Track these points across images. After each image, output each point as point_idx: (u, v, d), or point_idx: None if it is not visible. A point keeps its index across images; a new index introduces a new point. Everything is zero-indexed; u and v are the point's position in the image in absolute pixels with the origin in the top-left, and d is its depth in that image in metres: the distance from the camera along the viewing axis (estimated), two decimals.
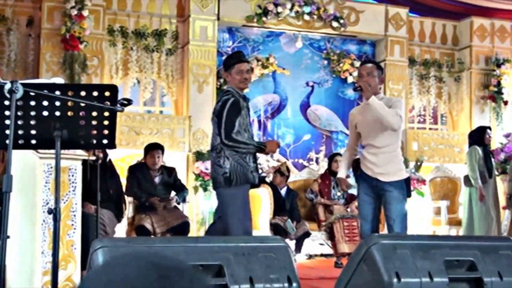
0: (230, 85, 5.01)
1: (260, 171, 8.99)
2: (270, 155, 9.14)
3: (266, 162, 9.07)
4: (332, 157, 8.33)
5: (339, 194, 8.00)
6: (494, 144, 9.26)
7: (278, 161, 9.15)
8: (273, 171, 8.23)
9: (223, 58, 5.24)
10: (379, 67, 5.14)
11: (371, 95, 4.80)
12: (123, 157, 8.07)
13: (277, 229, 7.57)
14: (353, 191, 6.72)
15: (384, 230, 5.56)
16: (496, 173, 8.41)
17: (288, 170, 8.20)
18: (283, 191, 7.97)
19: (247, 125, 4.92)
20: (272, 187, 7.88)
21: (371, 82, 4.89)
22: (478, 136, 8.07)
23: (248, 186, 4.92)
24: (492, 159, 8.12)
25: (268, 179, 8.46)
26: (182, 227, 6.54)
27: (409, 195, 5.09)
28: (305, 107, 9.54)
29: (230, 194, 4.86)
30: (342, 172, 5.29)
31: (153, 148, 6.90)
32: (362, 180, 5.08)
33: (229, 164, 4.81)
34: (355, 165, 5.29)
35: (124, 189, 6.68)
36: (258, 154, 5.12)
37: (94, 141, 3.19)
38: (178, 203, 6.91)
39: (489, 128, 8.30)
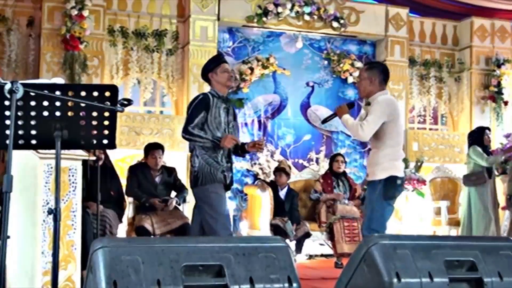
0: (213, 87, 5.09)
1: (260, 172, 9.05)
2: (270, 155, 9.16)
3: (266, 163, 9.08)
4: (333, 158, 8.34)
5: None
6: (494, 145, 9.26)
7: (278, 161, 9.15)
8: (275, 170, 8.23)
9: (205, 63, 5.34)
10: (370, 66, 5.14)
11: (341, 115, 4.95)
12: (124, 157, 8.07)
13: (277, 230, 7.57)
14: None
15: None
16: (496, 173, 8.40)
17: (289, 168, 8.23)
18: (283, 191, 7.96)
19: (219, 123, 4.95)
20: (272, 188, 7.88)
21: (360, 86, 5.08)
22: (477, 137, 8.10)
23: (220, 186, 4.93)
24: None
25: (267, 179, 8.47)
26: (182, 229, 6.53)
27: (389, 197, 4.91)
28: (305, 107, 9.54)
29: (200, 192, 4.93)
30: None
31: (154, 148, 6.88)
32: None
33: (198, 163, 4.90)
34: None
35: (124, 189, 6.68)
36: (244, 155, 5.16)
37: (94, 141, 3.19)
38: (179, 204, 6.90)
39: (488, 128, 8.29)
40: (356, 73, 9.47)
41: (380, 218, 4.85)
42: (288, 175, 8.06)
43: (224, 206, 4.96)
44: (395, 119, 4.91)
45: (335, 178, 8.09)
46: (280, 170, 8.04)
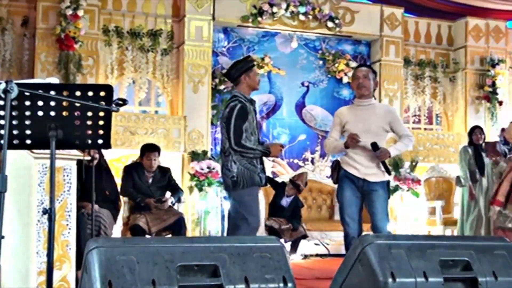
0: (240, 89, 5.16)
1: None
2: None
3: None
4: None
5: None
6: None
7: (273, 161, 9.14)
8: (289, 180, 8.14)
9: (231, 61, 5.49)
10: (373, 70, 5.26)
11: (387, 155, 5.05)
12: (119, 157, 8.06)
13: (272, 230, 7.57)
14: None
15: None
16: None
17: (306, 183, 8.06)
18: (288, 199, 7.89)
19: (254, 129, 5.08)
20: (278, 190, 7.85)
21: (367, 84, 5.10)
22: (469, 136, 8.21)
23: (256, 188, 5.13)
24: (485, 158, 8.11)
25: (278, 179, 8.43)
26: (177, 224, 6.52)
27: (389, 196, 5.21)
28: (300, 107, 9.54)
29: (239, 195, 5.05)
30: (341, 141, 5.28)
31: (150, 150, 6.82)
32: (347, 180, 5.14)
33: (236, 168, 5.00)
34: (334, 166, 5.31)
35: (119, 189, 6.66)
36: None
37: (89, 141, 3.18)
38: (173, 204, 6.89)
39: (478, 127, 8.32)
40: (351, 73, 9.48)
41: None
42: (299, 191, 7.97)
43: (258, 208, 5.19)
44: None
45: None
46: (294, 184, 7.92)
